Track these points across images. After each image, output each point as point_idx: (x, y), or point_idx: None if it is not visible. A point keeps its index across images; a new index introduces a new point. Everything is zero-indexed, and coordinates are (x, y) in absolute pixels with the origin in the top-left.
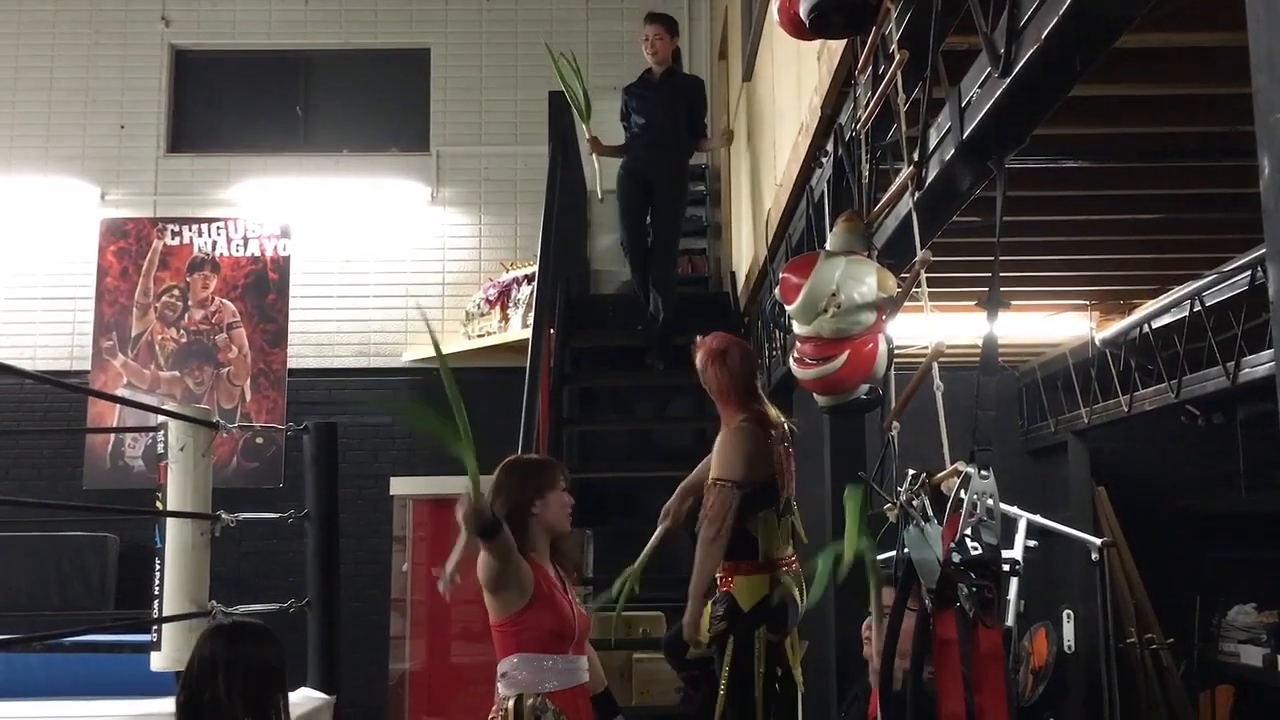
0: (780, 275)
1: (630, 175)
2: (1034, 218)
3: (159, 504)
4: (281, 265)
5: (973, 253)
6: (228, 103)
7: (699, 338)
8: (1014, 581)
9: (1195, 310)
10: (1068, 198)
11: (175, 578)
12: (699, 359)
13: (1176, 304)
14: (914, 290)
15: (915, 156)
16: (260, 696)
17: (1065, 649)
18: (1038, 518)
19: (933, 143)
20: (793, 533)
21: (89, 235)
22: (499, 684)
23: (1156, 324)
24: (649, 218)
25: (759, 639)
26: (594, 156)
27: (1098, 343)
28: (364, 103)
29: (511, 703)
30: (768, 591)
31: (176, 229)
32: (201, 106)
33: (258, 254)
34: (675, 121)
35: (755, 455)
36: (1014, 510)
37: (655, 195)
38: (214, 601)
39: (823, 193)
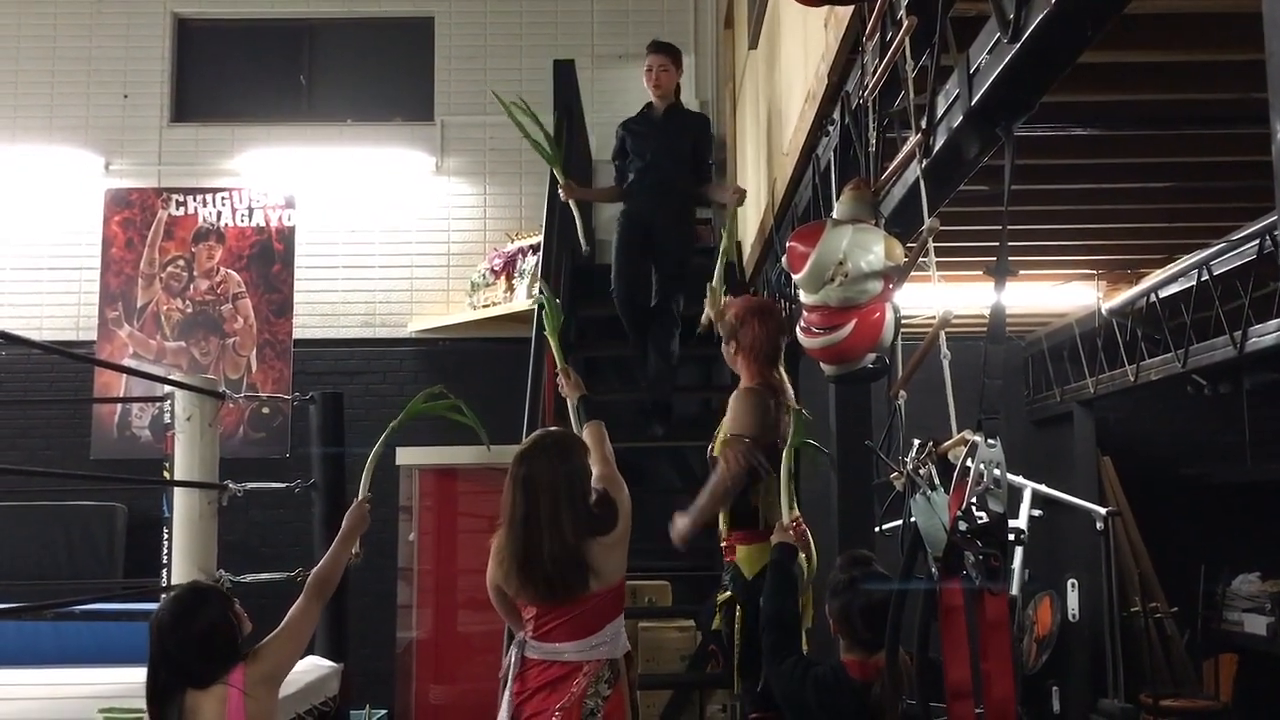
0: (787, 244)
1: (630, 222)
2: (1041, 186)
3: (166, 474)
4: (286, 235)
5: (980, 221)
6: (231, 71)
7: (728, 299)
8: (1018, 551)
9: (1203, 279)
10: (1075, 166)
11: (183, 547)
12: (734, 313)
13: (1184, 273)
14: (921, 259)
15: (923, 124)
16: (212, 653)
17: (1069, 618)
18: (1043, 487)
19: (940, 110)
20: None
21: (94, 205)
22: (603, 648)
23: (1164, 293)
24: (652, 271)
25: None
26: (571, 204)
27: (1104, 312)
28: (368, 71)
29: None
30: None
31: (181, 199)
32: (205, 75)
33: (262, 224)
34: (679, 163)
35: (764, 419)
36: (1019, 480)
37: (658, 246)
38: (222, 570)
39: (829, 161)
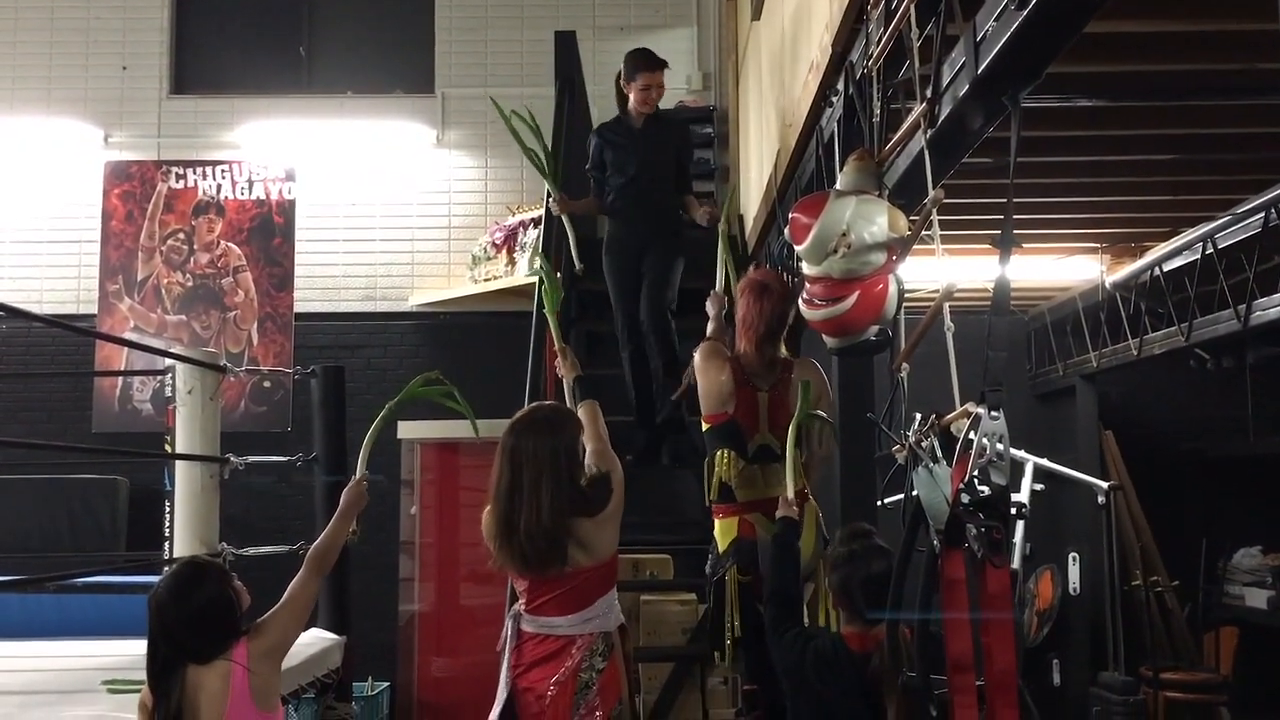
0: (790, 215)
1: (621, 246)
2: (1044, 159)
3: (168, 447)
4: (287, 209)
5: (984, 194)
6: (230, 43)
7: (752, 268)
8: (1019, 525)
9: (1207, 253)
10: (1079, 138)
11: (185, 520)
12: (742, 283)
13: (1188, 246)
14: (925, 232)
15: (928, 94)
16: (212, 629)
17: (1070, 591)
18: (1045, 461)
19: (946, 79)
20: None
21: (93, 178)
22: (595, 621)
23: (1168, 266)
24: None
25: (730, 580)
26: (565, 219)
27: (1108, 286)
28: (368, 43)
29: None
30: (736, 534)
31: (181, 172)
32: (204, 47)
33: (262, 197)
34: (665, 176)
35: (711, 389)
36: (1021, 454)
37: (649, 267)
38: (224, 543)
39: (833, 133)
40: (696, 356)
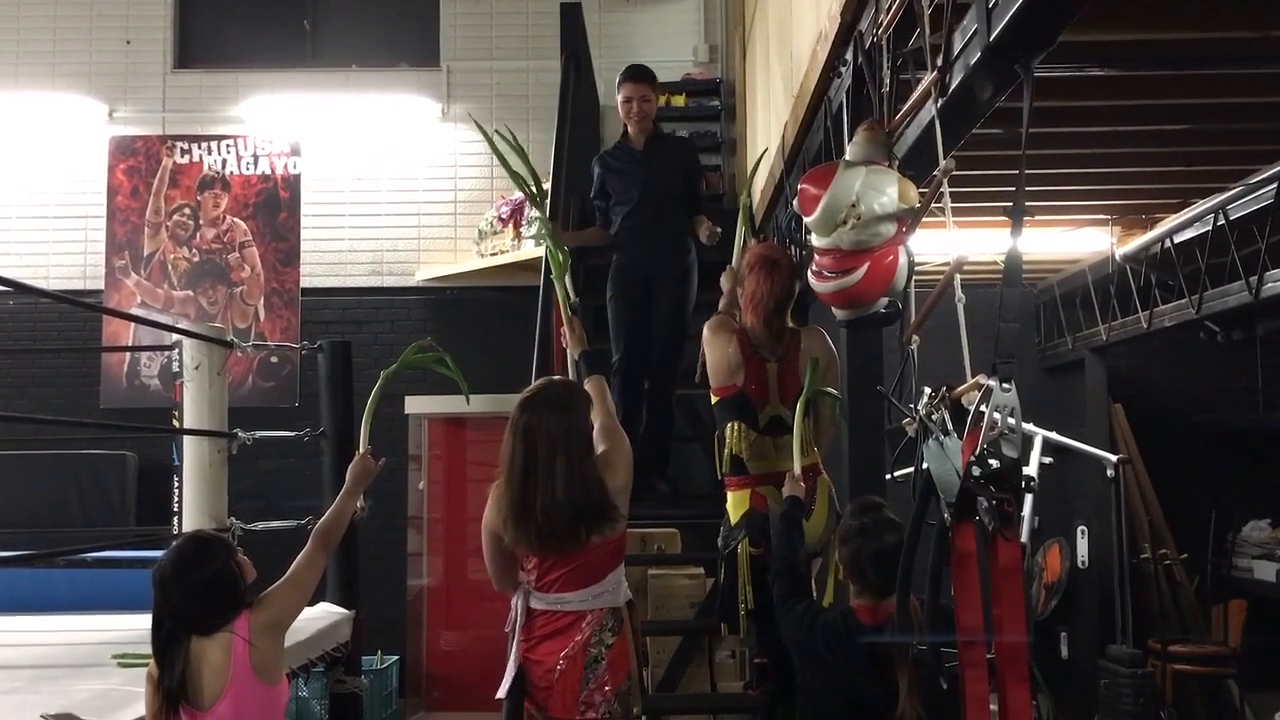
0: (799, 186)
1: (625, 278)
2: (1054, 129)
3: (176, 422)
4: (292, 183)
5: (994, 166)
6: (234, 17)
7: (754, 241)
8: (1028, 498)
9: (1219, 224)
10: (1090, 108)
11: (194, 495)
12: (748, 258)
13: (1199, 218)
14: (935, 204)
15: (939, 62)
16: (215, 602)
17: (1079, 564)
18: (1054, 435)
19: (957, 47)
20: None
21: (98, 153)
22: (604, 597)
23: (1179, 238)
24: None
25: (741, 552)
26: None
27: (1118, 258)
28: (372, 16)
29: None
30: (748, 507)
31: (186, 147)
32: (207, 21)
33: (268, 172)
34: (670, 201)
35: (719, 362)
36: (1030, 427)
37: (657, 299)
38: (233, 518)
39: (841, 103)
40: (705, 330)
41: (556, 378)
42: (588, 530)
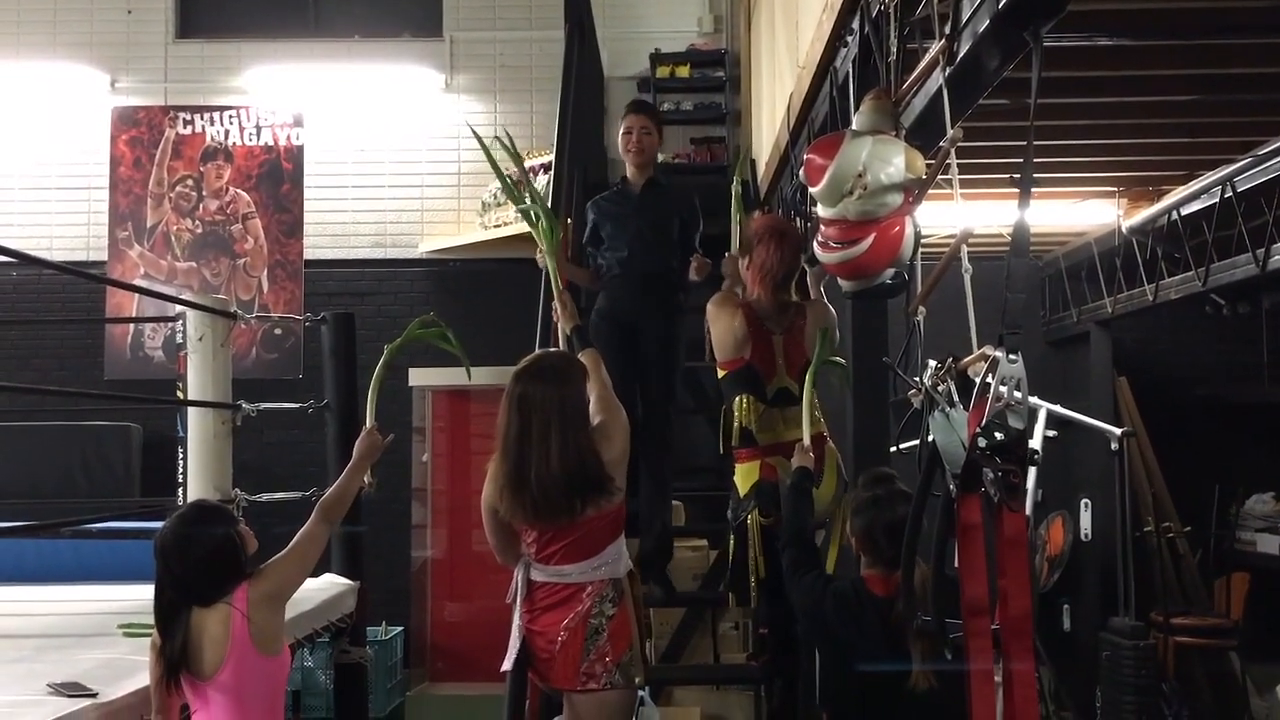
0: (805, 156)
1: (608, 322)
2: (1061, 100)
3: (180, 394)
4: (295, 155)
5: (1000, 137)
6: None
7: (758, 213)
8: (1031, 471)
9: (1226, 196)
10: (1097, 78)
11: (198, 466)
12: (753, 229)
13: (1207, 190)
14: (941, 175)
15: (946, 30)
16: (215, 572)
17: (1082, 537)
18: (1057, 408)
19: (966, 15)
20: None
21: (100, 124)
22: (605, 569)
23: (1186, 210)
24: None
25: (751, 523)
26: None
27: (1124, 230)
28: None
29: (627, 579)
30: (758, 478)
31: (188, 118)
32: None
33: (270, 143)
34: (664, 250)
35: (726, 335)
36: (1034, 401)
37: (643, 351)
38: (237, 489)
39: (847, 73)
40: (710, 306)
41: (552, 349)
42: (583, 502)
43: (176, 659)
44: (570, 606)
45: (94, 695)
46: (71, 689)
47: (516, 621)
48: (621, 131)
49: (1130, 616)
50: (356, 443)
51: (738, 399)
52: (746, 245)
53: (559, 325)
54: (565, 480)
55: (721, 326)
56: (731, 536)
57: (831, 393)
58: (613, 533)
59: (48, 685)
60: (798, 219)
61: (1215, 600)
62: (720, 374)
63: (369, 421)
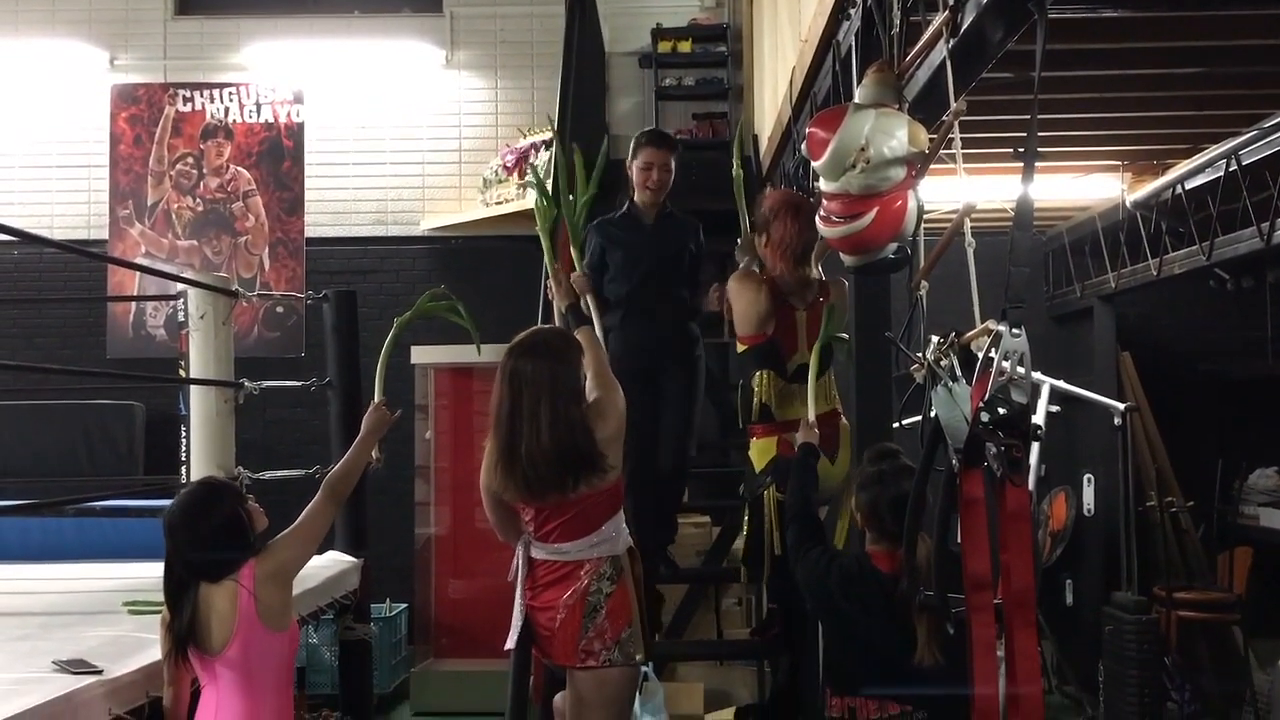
0: (807, 130)
1: (623, 364)
2: (1065, 73)
3: (182, 372)
4: (295, 132)
5: (1004, 111)
6: None
7: (767, 189)
8: (1034, 446)
9: (1231, 170)
10: (1101, 51)
11: (201, 444)
12: (768, 205)
13: (1211, 163)
14: (944, 150)
15: (950, 2)
16: (222, 548)
17: (1084, 512)
18: (1061, 383)
19: None
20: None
21: (100, 102)
22: (602, 546)
23: (1190, 184)
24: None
25: (768, 498)
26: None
27: (1129, 205)
28: None
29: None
30: (775, 453)
31: (188, 95)
32: None
33: (271, 120)
34: (677, 280)
35: (749, 311)
36: (1037, 376)
37: (661, 389)
38: (240, 467)
39: (850, 47)
40: (730, 282)
41: (548, 326)
42: (575, 478)
43: (185, 634)
44: (569, 583)
45: (99, 672)
46: (77, 666)
47: (519, 599)
48: (638, 166)
49: (1133, 591)
50: (365, 417)
51: (758, 375)
52: (761, 223)
53: (555, 303)
54: (556, 455)
55: (745, 301)
56: (746, 512)
57: (836, 369)
58: (610, 510)
59: (53, 662)
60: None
61: (1218, 575)
62: (740, 349)
63: (377, 396)
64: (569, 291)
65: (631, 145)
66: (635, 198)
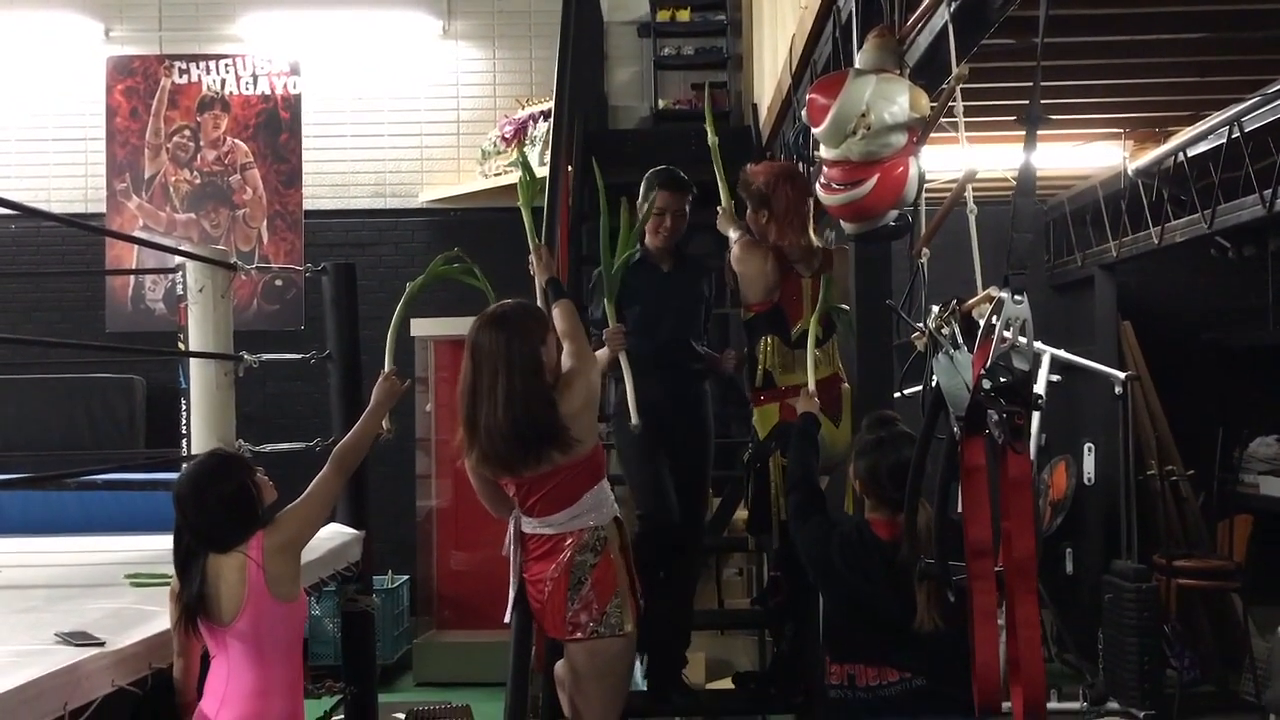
0: (807, 96)
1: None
2: (1066, 39)
3: (181, 345)
4: (293, 104)
5: (1005, 78)
6: None
7: (749, 166)
8: (1035, 415)
9: (1233, 136)
10: (1102, 16)
11: (202, 417)
12: (761, 179)
13: (1214, 130)
14: (945, 118)
15: None
16: (231, 520)
17: (1085, 481)
18: (1062, 352)
19: None
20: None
21: (95, 74)
22: (584, 517)
23: (1192, 152)
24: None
25: (774, 464)
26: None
27: (1130, 172)
28: None
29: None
30: (778, 419)
31: (184, 66)
32: None
33: (268, 92)
34: (692, 328)
35: (756, 278)
36: (1038, 345)
37: (678, 446)
38: (241, 440)
39: (850, 12)
40: (736, 249)
41: (514, 300)
42: (536, 452)
43: (194, 604)
44: (553, 557)
45: (101, 644)
46: (79, 638)
47: (514, 567)
48: (654, 211)
49: (1133, 559)
50: (375, 388)
51: (763, 340)
52: (758, 198)
53: (534, 277)
54: (512, 430)
55: (753, 269)
56: (750, 478)
57: (837, 337)
58: (589, 481)
59: (56, 634)
60: (800, 163)
61: (1218, 543)
62: (747, 316)
63: (387, 365)
64: (548, 266)
65: (643, 184)
66: (646, 241)
